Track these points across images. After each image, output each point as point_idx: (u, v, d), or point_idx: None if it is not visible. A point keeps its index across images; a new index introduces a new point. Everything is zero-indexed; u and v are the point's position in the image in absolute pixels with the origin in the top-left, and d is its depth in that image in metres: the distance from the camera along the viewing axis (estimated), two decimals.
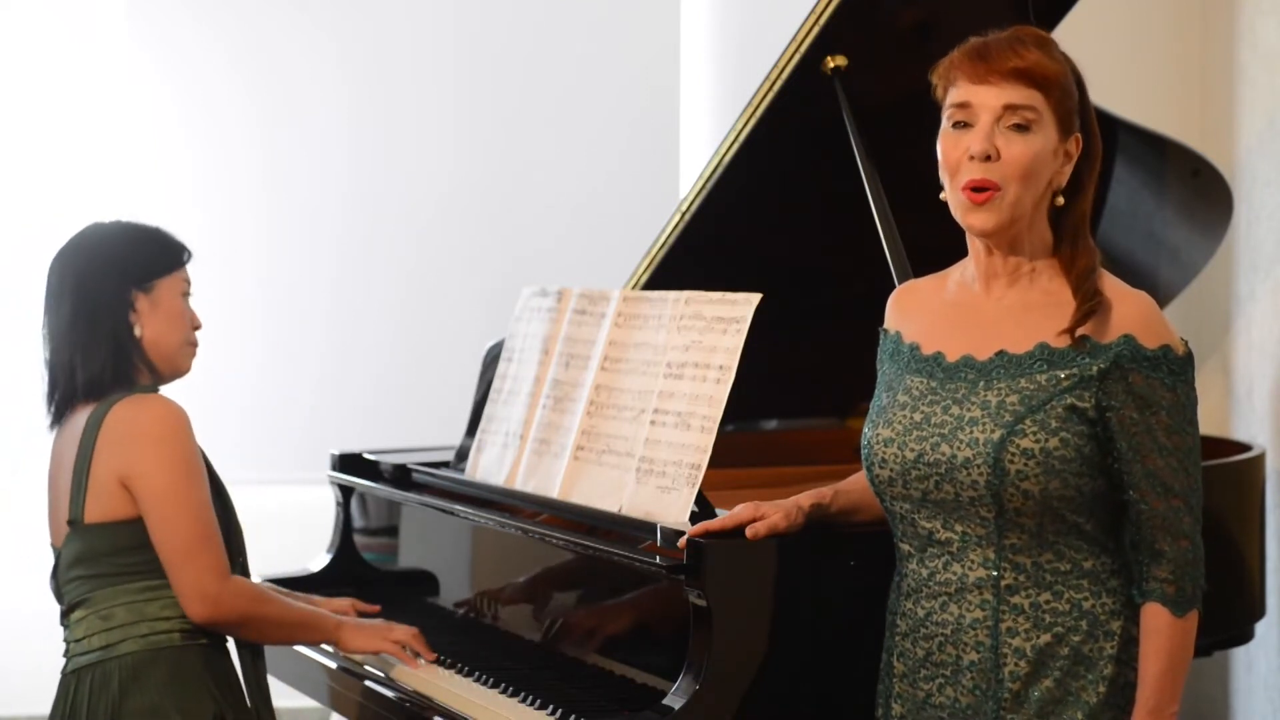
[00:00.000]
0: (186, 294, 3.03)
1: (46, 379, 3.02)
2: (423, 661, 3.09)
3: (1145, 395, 2.34)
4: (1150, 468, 2.34)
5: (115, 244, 3.01)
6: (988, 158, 2.36)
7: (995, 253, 2.45)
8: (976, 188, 2.37)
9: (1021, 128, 2.37)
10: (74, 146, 5.72)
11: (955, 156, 2.39)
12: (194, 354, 3.05)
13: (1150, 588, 2.37)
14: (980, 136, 2.37)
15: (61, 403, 2.99)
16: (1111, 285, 2.41)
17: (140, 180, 5.77)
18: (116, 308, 2.95)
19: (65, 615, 2.98)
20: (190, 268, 3.04)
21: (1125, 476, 2.36)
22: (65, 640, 2.98)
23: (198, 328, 3.04)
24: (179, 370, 3.03)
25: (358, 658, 3.20)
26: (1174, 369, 2.35)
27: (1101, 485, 2.38)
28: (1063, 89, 2.39)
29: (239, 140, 5.87)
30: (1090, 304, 2.36)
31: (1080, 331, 2.36)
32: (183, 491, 2.88)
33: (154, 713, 2.88)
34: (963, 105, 2.39)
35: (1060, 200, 2.42)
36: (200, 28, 5.85)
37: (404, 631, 3.11)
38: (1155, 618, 2.36)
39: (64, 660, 2.99)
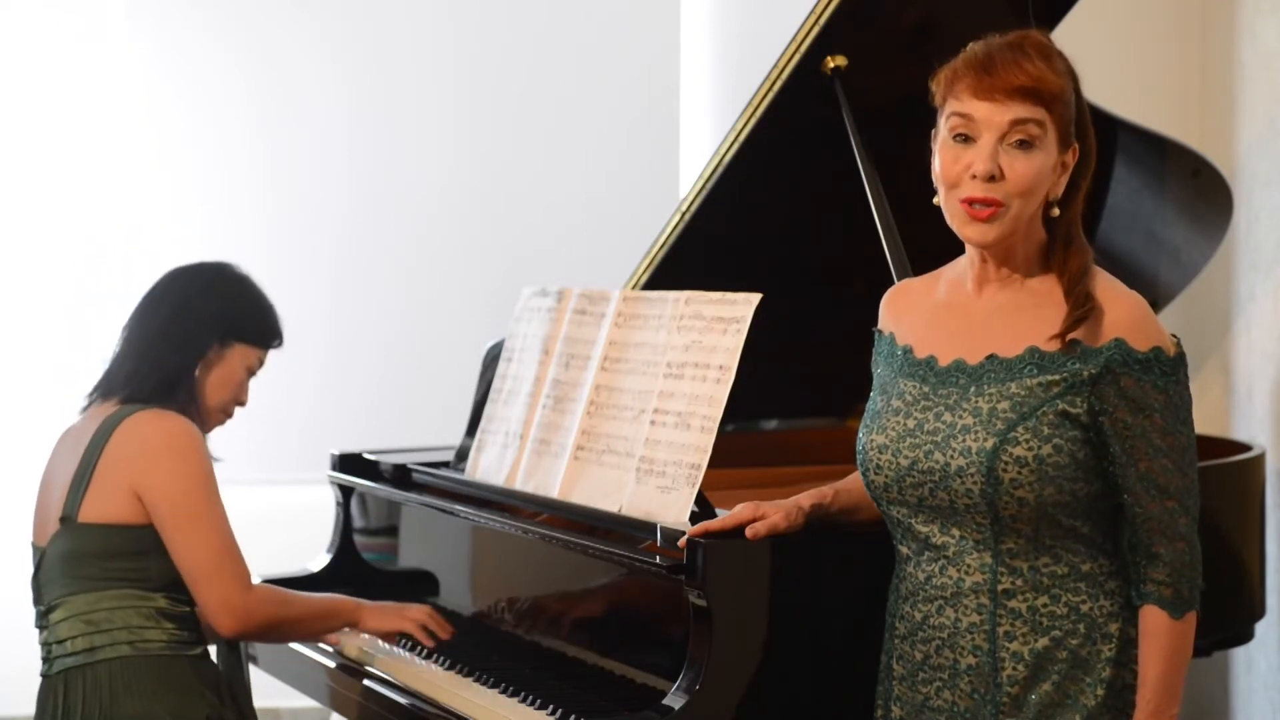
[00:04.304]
0: (252, 370, 3.13)
1: (107, 368, 3.07)
2: (433, 665, 3.11)
3: (1138, 399, 2.33)
4: (1145, 470, 2.34)
5: (230, 292, 3.11)
6: (991, 178, 2.35)
7: (989, 260, 2.45)
8: (979, 203, 2.37)
9: (1025, 144, 2.35)
10: (73, 146, 5.71)
11: (956, 171, 2.38)
12: (222, 423, 3.14)
13: (1147, 590, 2.36)
14: (985, 156, 2.35)
15: (100, 396, 3.03)
16: (1103, 286, 2.39)
17: (140, 180, 5.76)
18: (197, 345, 3.04)
19: (44, 615, 2.98)
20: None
21: (1120, 480, 2.35)
22: (45, 642, 2.98)
23: (241, 404, 3.10)
24: (203, 426, 3.11)
25: (358, 657, 3.21)
26: (1166, 370, 2.34)
27: (1097, 489, 2.37)
28: (1064, 102, 2.38)
29: (239, 140, 5.86)
30: (1081, 310, 2.35)
31: (1070, 336, 2.36)
32: (203, 507, 2.92)
33: (147, 718, 2.89)
34: (965, 116, 2.37)
35: (1056, 211, 2.41)
36: (200, 28, 5.84)
37: (419, 610, 3.19)
38: (1153, 620, 2.36)
39: (44, 662, 2.99)
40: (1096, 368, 2.34)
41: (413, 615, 3.17)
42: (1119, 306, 2.37)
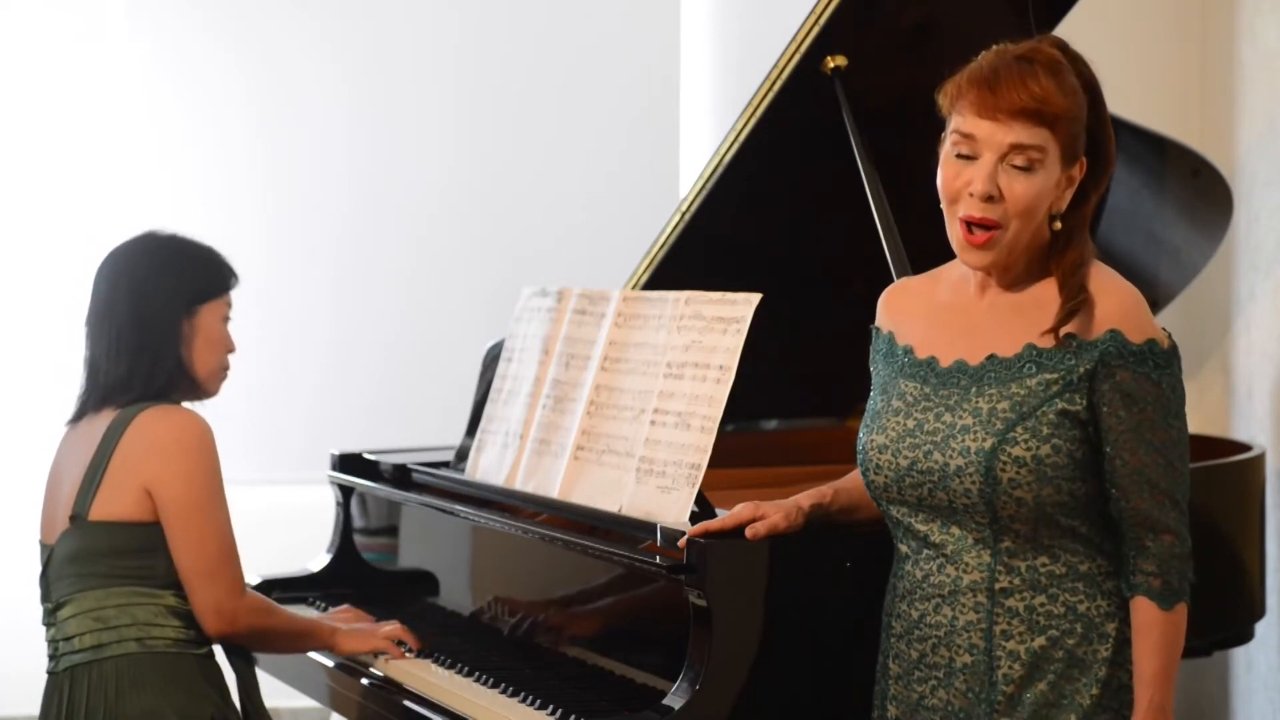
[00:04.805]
0: (227, 318, 3.08)
1: (85, 376, 3.04)
2: (411, 657, 3.15)
3: (1132, 392, 2.33)
4: (1136, 464, 2.34)
5: (172, 260, 3.05)
6: (990, 198, 2.35)
7: (991, 271, 2.45)
8: (977, 225, 2.36)
9: (1026, 168, 2.34)
10: (73, 147, 5.71)
11: (956, 187, 2.38)
12: (225, 378, 3.11)
13: (1137, 581, 2.36)
14: (983, 177, 2.34)
15: (95, 403, 3.00)
16: (1098, 279, 2.39)
17: (140, 180, 5.76)
18: (168, 328, 3.00)
19: (52, 613, 2.98)
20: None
21: (1109, 473, 2.35)
22: (53, 639, 2.98)
23: (232, 351, 3.08)
24: (208, 393, 3.10)
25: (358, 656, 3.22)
26: (1160, 363, 2.34)
27: (1095, 488, 2.37)
28: (1071, 119, 2.36)
29: (239, 140, 5.86)
30: (1074, 302, 2.35)
31: (1065, 330, 2.35)
32: (207, 508, 2.92)
33: (152, 715, 2.89)
34: (968, 135, 2.36)
35: (1058, 225, 2.40)
36: (200, 28, 5.84)
37: (391, 627, 3.21)
38: (1144, 612, 2.36)
39: (51, 660, 2.99)
40: (1092, 362, 2.34)
41: (385, 633, 3.20)
42: (1112, 298, 2.37)
